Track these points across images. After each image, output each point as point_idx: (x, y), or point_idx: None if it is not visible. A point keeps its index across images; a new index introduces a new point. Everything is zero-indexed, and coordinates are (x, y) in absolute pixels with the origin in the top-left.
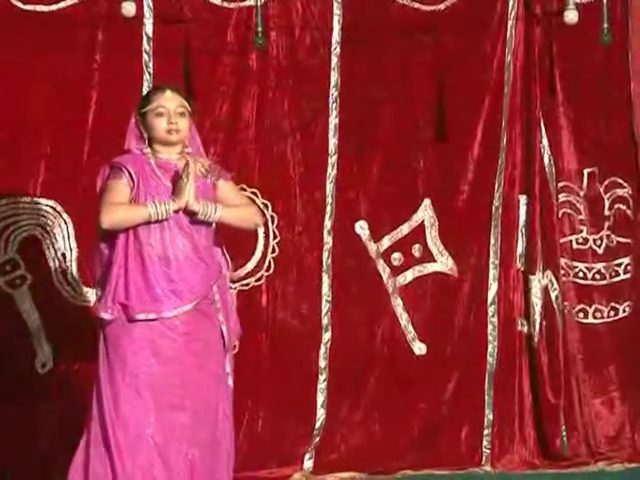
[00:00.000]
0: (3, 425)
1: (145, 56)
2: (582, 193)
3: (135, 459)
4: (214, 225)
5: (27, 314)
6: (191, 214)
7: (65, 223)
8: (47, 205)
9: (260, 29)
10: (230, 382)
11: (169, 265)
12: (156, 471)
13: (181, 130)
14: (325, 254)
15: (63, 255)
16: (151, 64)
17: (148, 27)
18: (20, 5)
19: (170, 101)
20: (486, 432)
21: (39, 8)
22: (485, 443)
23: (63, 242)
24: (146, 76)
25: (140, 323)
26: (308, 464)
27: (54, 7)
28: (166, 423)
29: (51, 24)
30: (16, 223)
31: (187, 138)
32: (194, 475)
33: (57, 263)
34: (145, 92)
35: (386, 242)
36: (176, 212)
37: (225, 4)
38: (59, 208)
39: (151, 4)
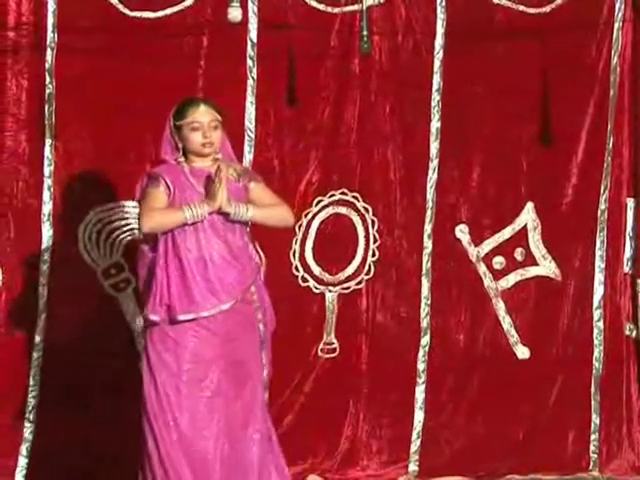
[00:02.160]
0: (109, 424)
1: (249, 61)
2: None
3: (175, 450)
4: (248, 226)
5: (131, 317)
6: (225, 215)
7: None
8: None
9: (365, 33)
10: (265, 374)
11: (206, 266)
12: (190, 465)
13: (214, 143)
14: (425, 258)
15: None
16: (255, 69)
17: (252, 33)
18: (127, 12)
19: (204, 116)
20: (593, 437)
21: (145, 15)
22: (592, 448)
23: None
24: (250, 81)
25: (180, 324)
26: (413, 467)
27: (160, 14)
28: (203, 417)
29: (157, 30)
30: (121, 227)
31: (219, 148)
32: (223, 467)
33: None
34: (179, 104)
35: (487, 246)
36: (210, 214)
37: (329, 9)
38: None
39: (256, 10)
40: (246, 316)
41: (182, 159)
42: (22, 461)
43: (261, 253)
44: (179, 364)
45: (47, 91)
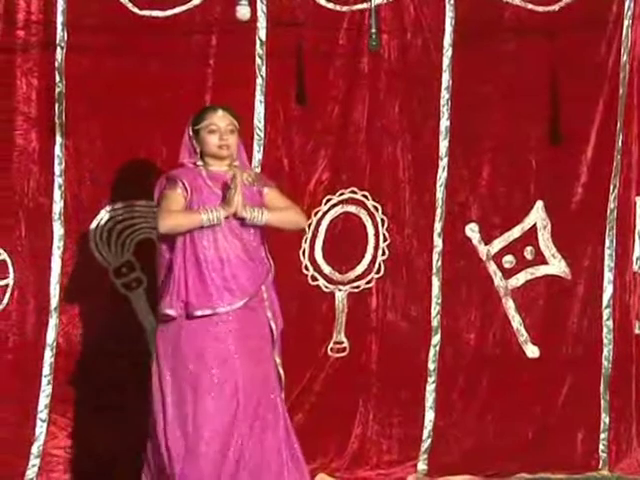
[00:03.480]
0: (121, 423)
1: (258, 60)
2: None
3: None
4: (262, 227)
5: (142, 315)
6: (241, 219)
7: None
8: None
9: (374, 31)
10: (281, 371)
11: (222, 265)
12: (208, 457)
13: (231, 146)
14: (435, 257)
15: None
16: (264, 68)
17: (261, 31)
18: (136, 10)
19: (221, 120)
20: (602, 436)
21: (155, 13)
22: (602, 447)
23: None
24: (259, 80)
25: (197, 319)
26: (422, 467)
27: (169, 12)
28: (218, 411)
29: (166, 29)
30: (132, 226)
31: (235, 153)
32: (240, 461)
33: None
34: (199, 111)
35: (497, 245)
36: (226, 218)
37: (337, 7)
38: None
39: (265, 8)
40: (258, 313)
41: (200, 162)
42: (33, 461)
43: (269, 257)
44: (194, 359)
45: (57, 90)
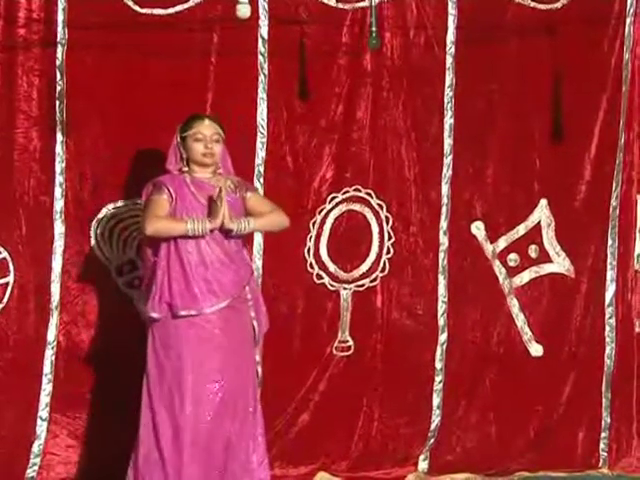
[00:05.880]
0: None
1: (260, 58)
2: None
3: (180, 435)
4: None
5: (144, 314)
6: (227, 231)
7: None
8: None
9: (374, 29)
10: (259, 370)
11: (205, 268)
12: (198, 445)
13: (215, 154)
14: (441, 255)
15: None
16: (266, 65)
17: (263, 29)
18: (137, 9)
19: (208, 129)
20: (603, 435)
21: (156, 12)
22: (602, 446)
23: None
24: (261, 77)
25: (183, 319)
26: (423, 465)
27: (170, 10)
28: (206, 402)
29: (167, 27)
30: (134, 225)
31: (219, 161)
32: (229, 446)
33: None
34: (186, 119)
35: (502, 243)
36: (211, 231)
37: (340, 5)
38: None
39: (266, 6)
40: (242, 313)
41: (186, 169)
42: (34, 459)
43: (250, 261)
44: (181, 357)
45: (58, 88)
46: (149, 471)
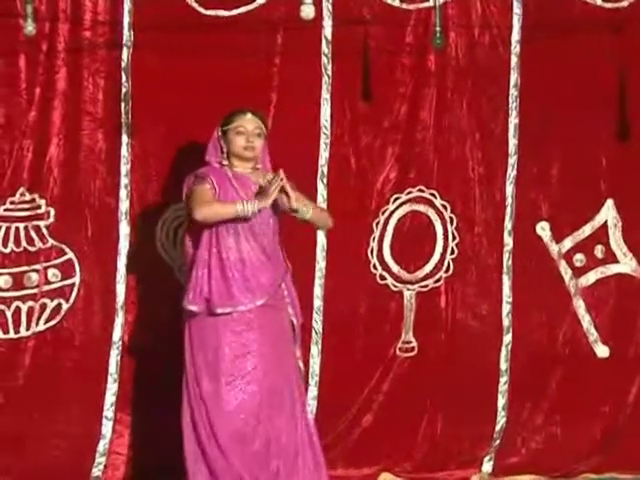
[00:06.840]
0: None
1: (324, 58)
2: None
3: (218, 432)
4: (279, 231)
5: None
6: (293, 211)
7: None
8: None
9: (439, 29)
10: (301, 365)
11: (244, 266)
12: (235, 445)
13: (256, 148)
14: (506, 255)
15: None
16: (330, 66)
17: (327, 29)
18: (202, 10)
19: (250, 123)
20: None
21: (220, 13)
22: None
23: None
24: (325, 78)
25: (220, 316)
26: (487, 466)
27: (234, 12)
28: (242, 400)
29: (231, 28)
30: None
31: (259, 157)
32: (275, 444)
33: None
34: (229, 113)
35: (568, 243)
36: (259, 211)
37: (404, 5)
38: None
39: (330, 7)
40: (279, 310)
41: (226, 162)
42: (99, 459)
43: (287, 259)
44: (217, 355)
45: (123, 90)
46: (194, 468)
